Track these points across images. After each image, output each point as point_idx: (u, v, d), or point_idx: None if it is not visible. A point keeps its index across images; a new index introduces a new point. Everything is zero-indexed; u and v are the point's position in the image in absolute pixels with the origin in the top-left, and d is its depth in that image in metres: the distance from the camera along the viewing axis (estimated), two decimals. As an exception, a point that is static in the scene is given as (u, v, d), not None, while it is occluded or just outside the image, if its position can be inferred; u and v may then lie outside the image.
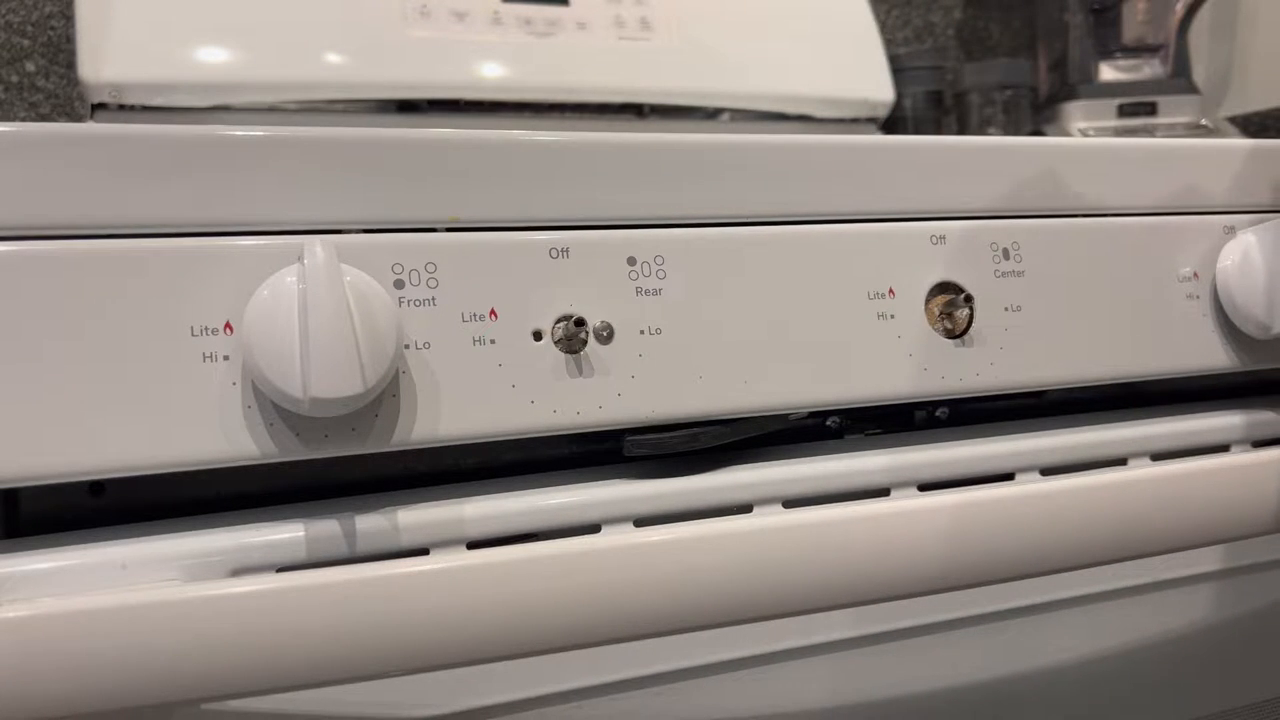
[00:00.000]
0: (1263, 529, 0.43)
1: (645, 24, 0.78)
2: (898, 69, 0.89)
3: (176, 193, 0.32)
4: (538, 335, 0.35)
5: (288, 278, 0.31)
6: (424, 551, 0.34)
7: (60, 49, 0.80)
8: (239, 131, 0.33)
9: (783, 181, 0.39)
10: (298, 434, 0.32)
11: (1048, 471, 0.42)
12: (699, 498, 0.38)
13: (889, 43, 0.93)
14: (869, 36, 0.86)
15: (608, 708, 0.40)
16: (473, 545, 0.35)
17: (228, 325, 0.32)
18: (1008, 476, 0.42)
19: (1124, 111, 0.91)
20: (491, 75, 0.73)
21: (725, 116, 0.81)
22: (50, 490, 0.32)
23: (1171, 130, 0.90)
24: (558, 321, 0.35)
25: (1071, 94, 0.92)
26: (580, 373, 0.35)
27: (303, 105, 0.69)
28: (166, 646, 0.29)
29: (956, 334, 0.40)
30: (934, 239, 0.41)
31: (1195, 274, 0.45)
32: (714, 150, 0.38)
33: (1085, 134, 0.90)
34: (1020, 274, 0.42)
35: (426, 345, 0.34)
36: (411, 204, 0.34)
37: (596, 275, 0.36)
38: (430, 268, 0.34)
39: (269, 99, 0.68)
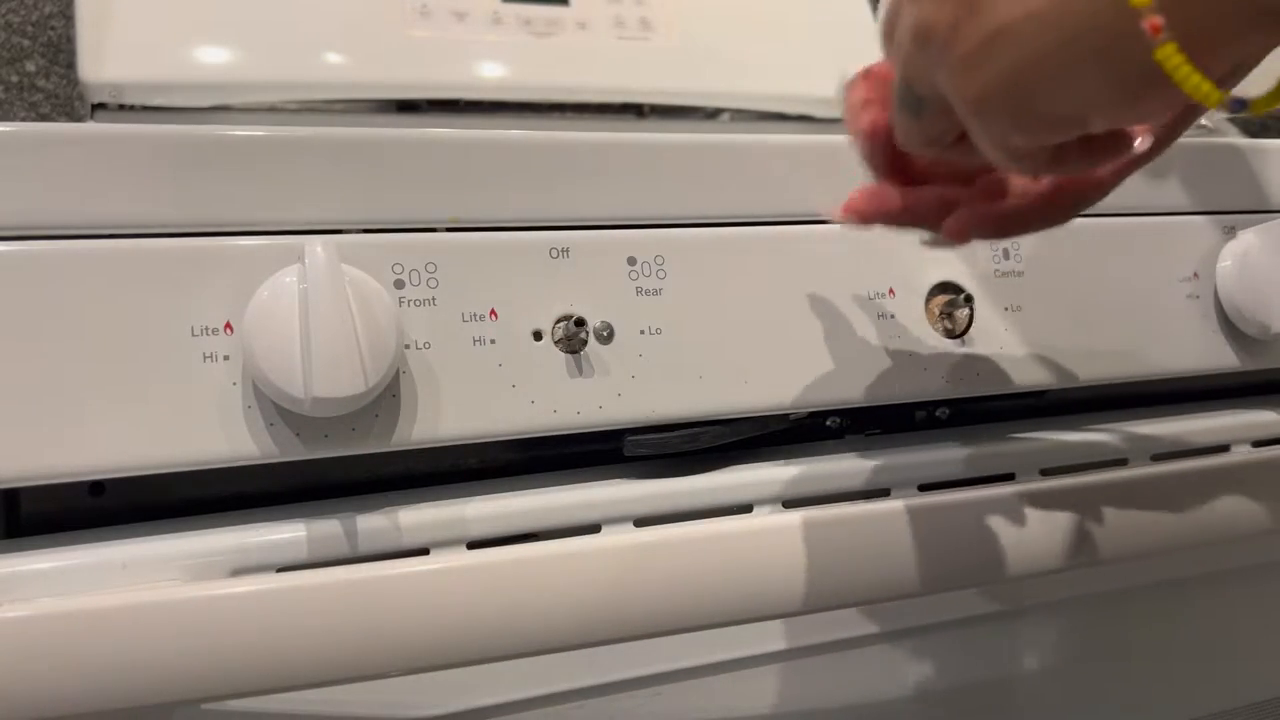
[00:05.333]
0: (1263, 529, 0.43)
1: (645, 24, 0.78)
2: (898, 69, 0.89)
3: (176, 193, 0.32)
4: (538, 335, 0.35)
5: (288, 278, 0.31)
6: (424, 551, 0.34)
7: (60, 49, 0.80)
8: (239, 131, 0.33)
9: (783, 181, 0.39)
10: (298, 434, 0.32)
11: (1048, 471, 0.42)
12: (699, 498, 0.38)
13: (889, 43, 0.93)
14: (870, 36, 0.86)
15: (608, 708, 0.40)
16: (473, 545, 0.35)
17: (228, 325, 0.32)
18: (1008, 476, 0.42)
19: (1124, 111, 0.91)
20: (491, 75, 0.73)
21: (725, 116, 0.81)
22: (50, 490, 0.32)
23: (1171, 130, 0.90)
24: (558, 321, 0.35)
25: (1071, 94, 0.92)
26: (580, 373, 0.35)
27: (303, 105, 0.69)
28: (166, 646, 0.29)
29: (956, 334, 0.40)
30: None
31: (1195, 274, 0.45)
32: (714, 150, 0.38)
33: (1085, 134, 0.90)
34: (1020, 274, 0.42)
35: (427, 345, 0.34)
36: (411, 204, 0.34)
37: (596, 275, 0.36)
38: (430, 268, 0.34)
39: (269, 99, 0.68)
